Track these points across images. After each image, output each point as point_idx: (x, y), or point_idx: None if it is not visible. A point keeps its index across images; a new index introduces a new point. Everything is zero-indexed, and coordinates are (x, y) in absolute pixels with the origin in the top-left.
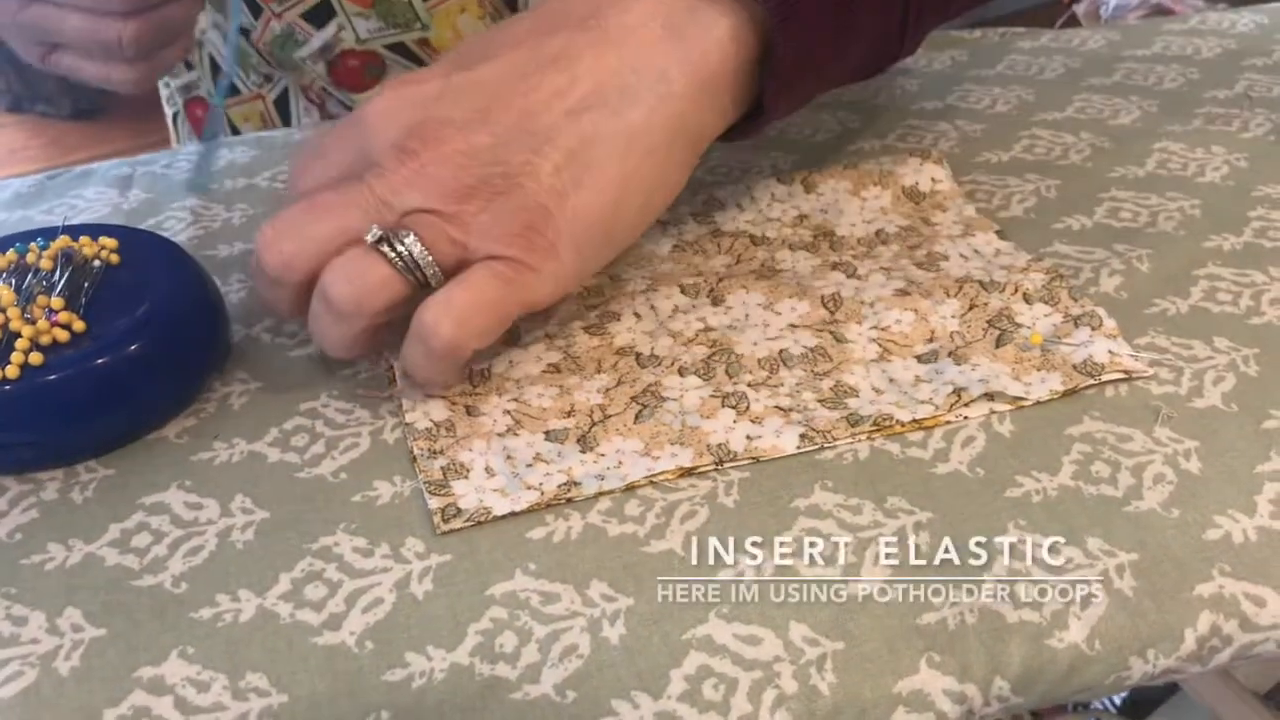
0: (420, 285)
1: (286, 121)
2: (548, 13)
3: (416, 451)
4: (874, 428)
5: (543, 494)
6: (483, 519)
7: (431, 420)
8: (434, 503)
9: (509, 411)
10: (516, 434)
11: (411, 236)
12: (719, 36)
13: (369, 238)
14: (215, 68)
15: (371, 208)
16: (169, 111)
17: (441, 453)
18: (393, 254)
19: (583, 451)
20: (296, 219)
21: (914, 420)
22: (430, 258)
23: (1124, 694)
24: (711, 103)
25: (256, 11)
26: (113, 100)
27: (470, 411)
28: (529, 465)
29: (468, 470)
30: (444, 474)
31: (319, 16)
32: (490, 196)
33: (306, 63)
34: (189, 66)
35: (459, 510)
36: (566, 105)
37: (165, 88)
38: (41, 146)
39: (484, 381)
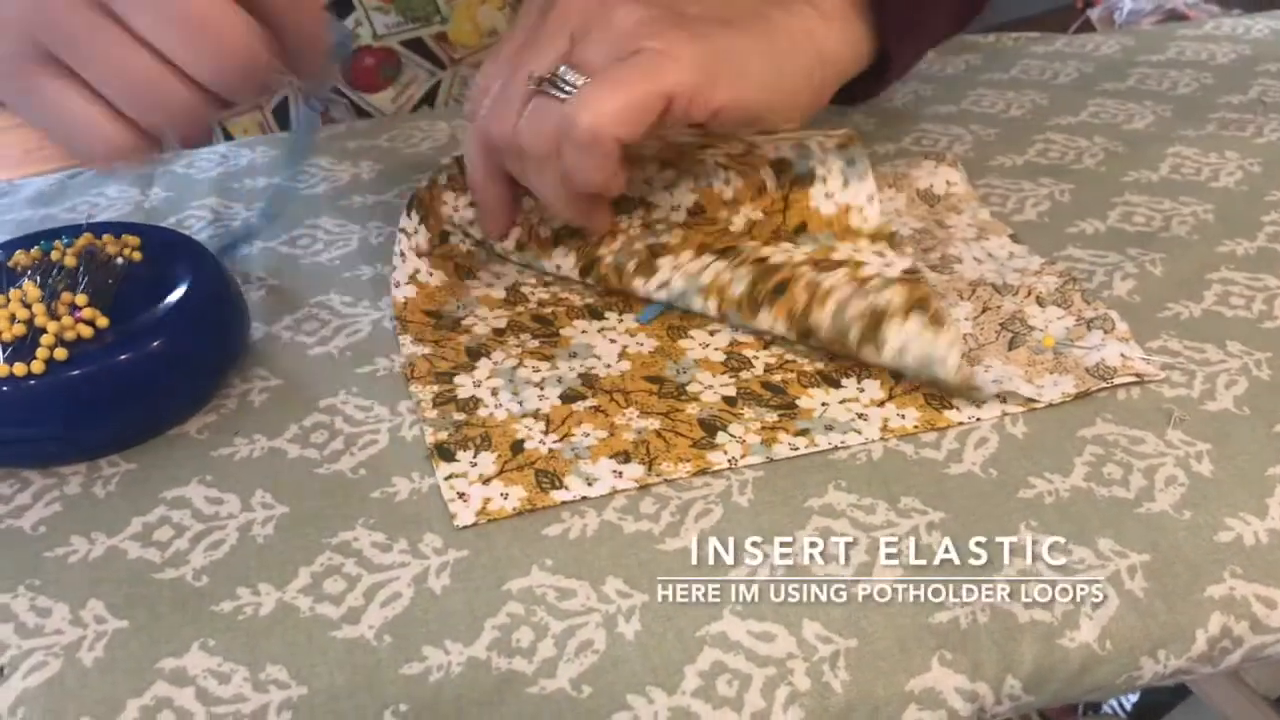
0: None
1: (285, 129)
2: None
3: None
4: (883, 429)
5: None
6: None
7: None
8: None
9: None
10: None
11: (562, 67)
12: None
13: (534, 75)
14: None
15: (541, 41)
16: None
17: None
18: (538, 87)
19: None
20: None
21: (926, 420)
22: (576, 72)
23: (1135, 698)
24: (843, 34)
25: None
26: None
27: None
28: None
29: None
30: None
31: (336, 12)
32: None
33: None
34: None
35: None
36: None
37: None
38: (56, 146)
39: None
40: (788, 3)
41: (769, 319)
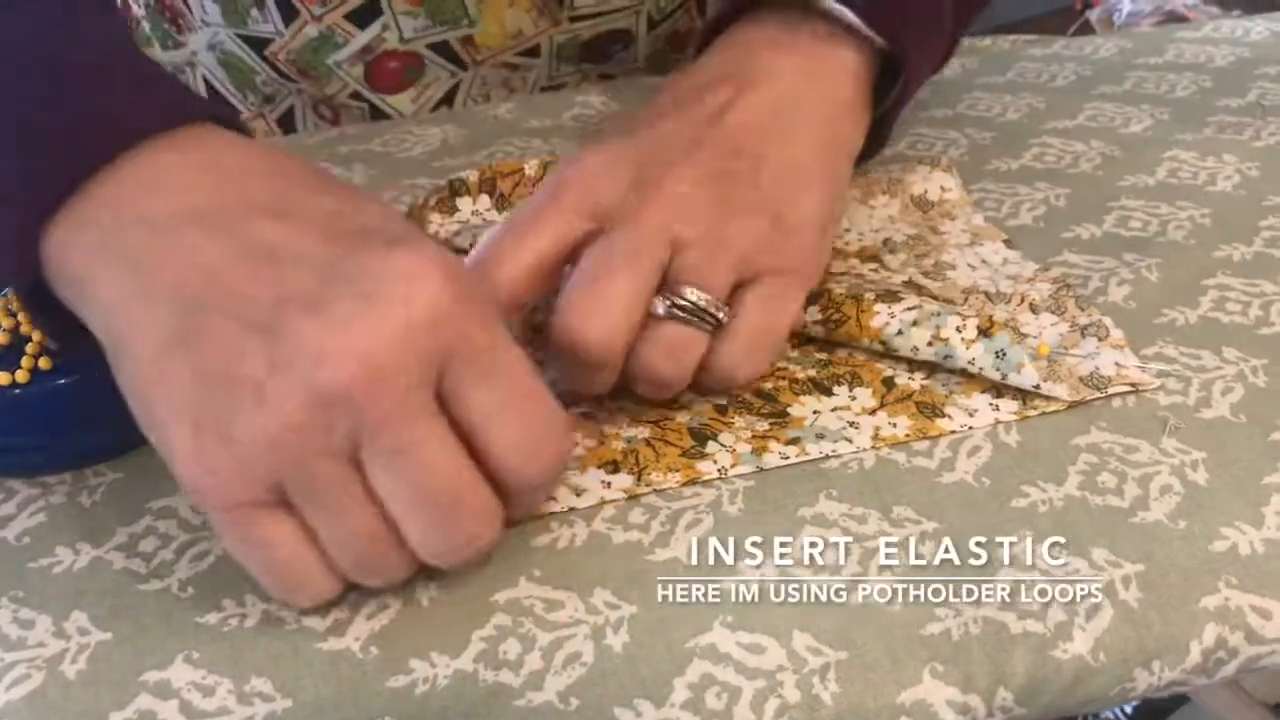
0: (716, 328)
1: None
2: (691, 80)
3: None
4: (874, 437)
5: None
6: None
7: None
8: None
9: None
10: None
11: (688, 289)
12: (850, 64)
13: (659, 311)
14: (210, 90)
15: (644, 253)
16: None
17: None
18: (683, 314)
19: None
20: (593, 298)
21: (914, 428)
22: (714, 299)
23: (1132, 705)
24: (855, 119)
25: (289, 18)
26: None
27: None
28: None
29: None
30: None
31: (364, 16)
32: (734, 213)
33: (341, 67)
34: None
35: None
36: (755, 128)
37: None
38: None
39: None
40: (837, 146)
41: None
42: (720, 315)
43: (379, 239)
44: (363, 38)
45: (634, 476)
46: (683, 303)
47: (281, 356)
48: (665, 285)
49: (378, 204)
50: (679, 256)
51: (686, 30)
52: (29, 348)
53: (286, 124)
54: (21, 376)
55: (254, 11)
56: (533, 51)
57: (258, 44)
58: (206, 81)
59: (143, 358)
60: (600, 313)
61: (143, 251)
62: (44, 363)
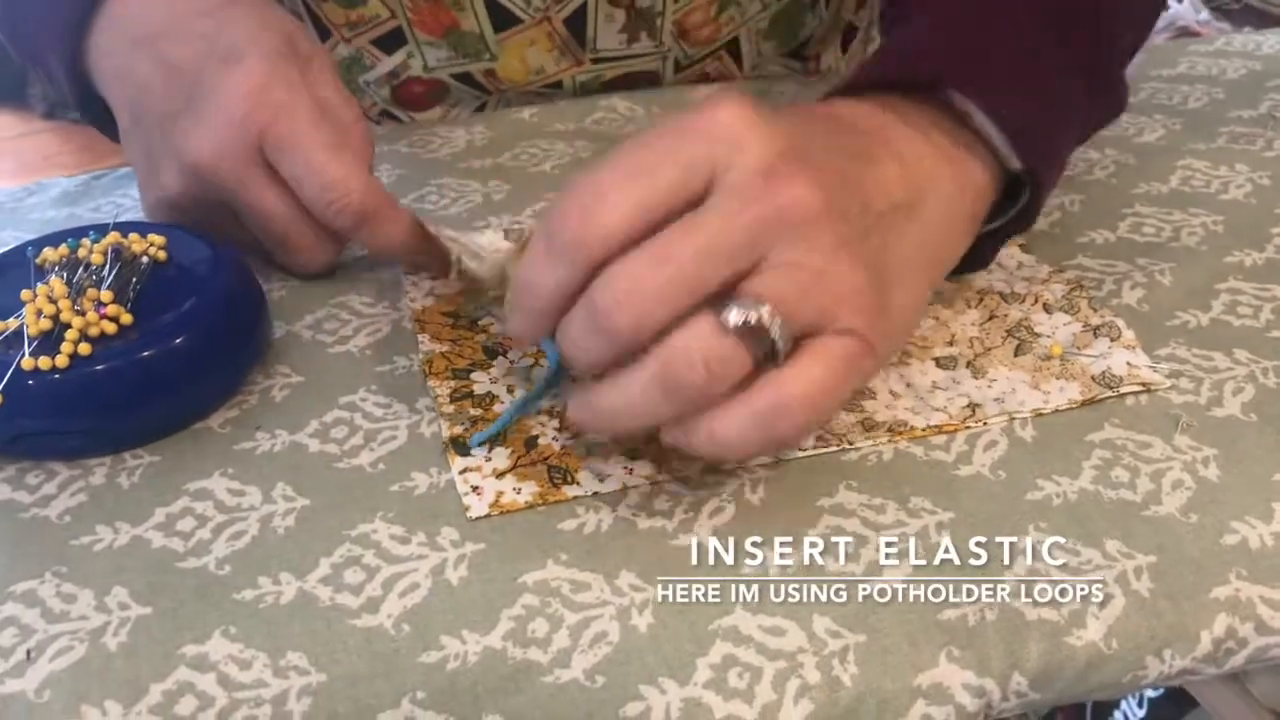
0: (766, 359)
1: None
2: (843, 110)
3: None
4: (889, 433)
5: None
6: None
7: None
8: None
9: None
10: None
11: (769, 311)
12: (979, 183)
13: (730, 321)
14: None
15: (732, 253)
16: None
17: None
18: (747, 335)
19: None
20: (643, 275)
21: (930, 426)
22: (787, 334)
23: (1143, 712)
24: (967, 233)
25: (323, 36)
26: None
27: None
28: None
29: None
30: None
31: (389, 44)
32: (857, 258)
33: (370, 86)
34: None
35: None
36: (893, 199)
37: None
38: (74, 153)
39: None
40: (946, 255)
41: None
42: (780, 351)
43: (226, 59)
44: (388, 63)
45: (655, 465)
46: (750, 319)
47: (170, 147)
48: (733, 293)
49: (243, 27)
50: (766, 270)
51: (716, 74)
52: (69, 334)
53: None
54: (61, 362)
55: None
56: (556, 85)
57: None
58: None
59: (121, 130)
60: (639, 302)
61: (112, 69)
62: (84, 349)
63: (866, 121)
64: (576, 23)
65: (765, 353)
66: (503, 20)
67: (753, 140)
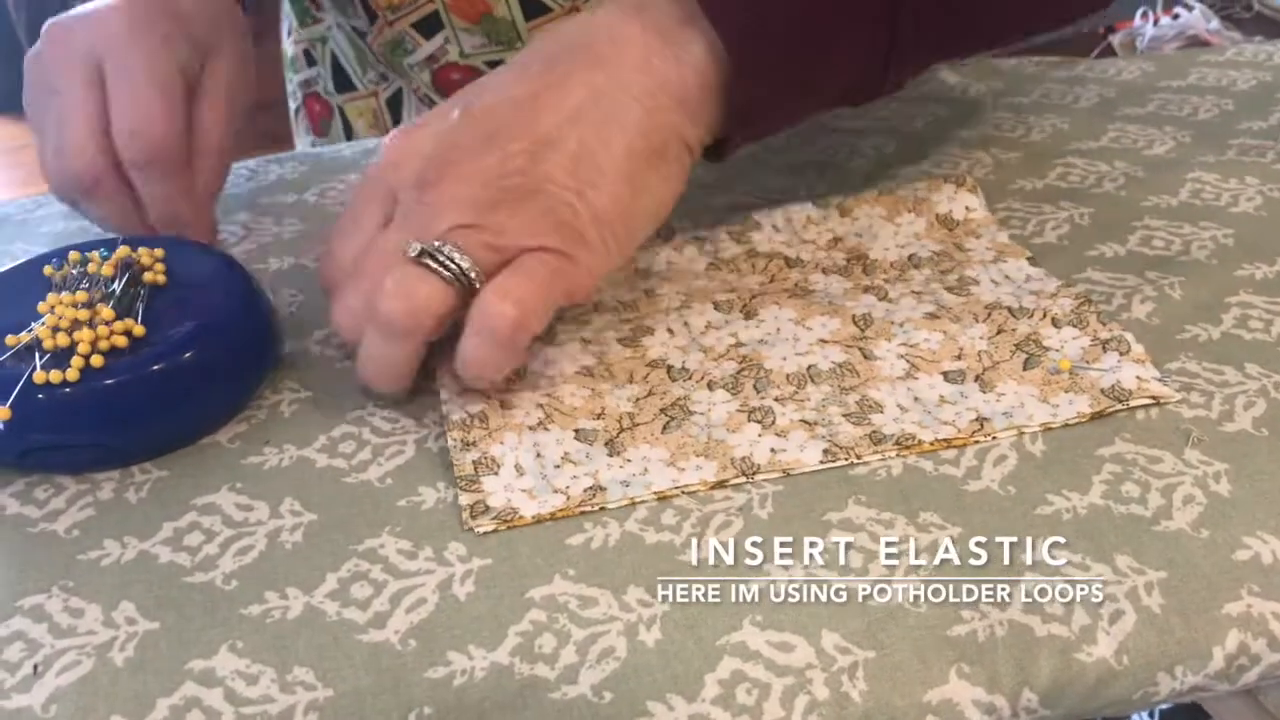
0: (466, 290)
1: (397, 120)
2: (541, 47)
3: (451, 443)
4: (897, 446)
5: (569, 498)
6: (510, 519)
7: (466, 411)
8: (465, 499)
9: (541, 405)
10: (547, 429)
11: (449, 245)
12: (696, 59)
13: (410, 252)
14: (337, 66)
15: (410, 243)
16: (291, 106)
17: (474, 445)
18: (435, 264)
19: (610, 455)
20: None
21: (938, 439)
22: (470, 260)
23: None
24: (694, 116)
25: (372, 16)
26: None
27: (504, 405)
28: (557, 466)
29: (498, 465)
30: (475, 469)
31: (428, 27)
32: (516, 203)
33: (414, 69)
34: (310, 62)
35: (487, 508)
36: (563, 116)
37: (288, 83)
38: None
39: (519, 379)
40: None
41: None
42: (473, 277)
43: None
44: (428, 47)
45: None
46: (440, 257)
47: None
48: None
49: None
50: (452, 232)
51: None
52: (80, 348)
53: (394, 105)
54: (72, 375)
55: (349, 7)
56: None
57: (360, 33)
58: (334, 56)
59: None
60: (399, 296)
61: None
62: (95, 362)
63: (583, 20)
64: None
65: (466, 286)
66: (534, 8)
67: (404, 159)
